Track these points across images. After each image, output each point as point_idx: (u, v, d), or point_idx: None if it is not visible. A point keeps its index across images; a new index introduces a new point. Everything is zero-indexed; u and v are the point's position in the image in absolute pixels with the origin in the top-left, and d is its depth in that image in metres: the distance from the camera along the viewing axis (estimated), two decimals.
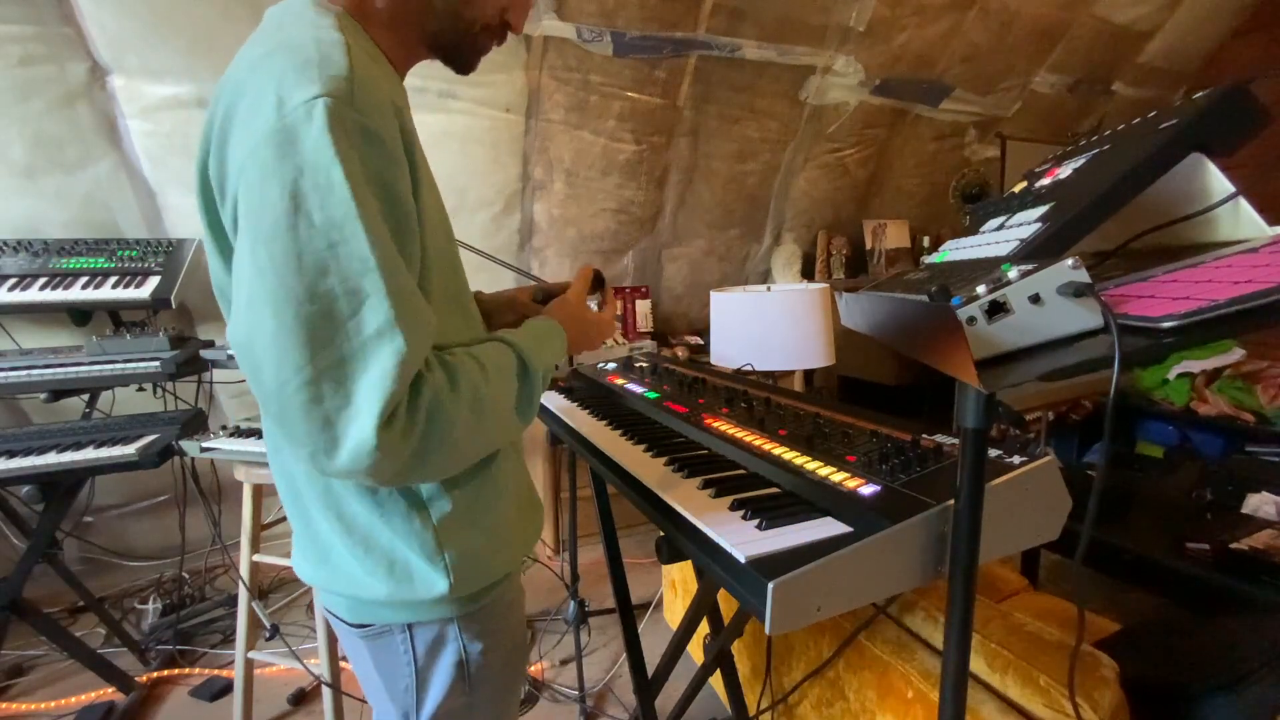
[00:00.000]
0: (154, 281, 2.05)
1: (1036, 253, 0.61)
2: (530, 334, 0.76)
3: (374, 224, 0.54)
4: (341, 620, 0.78)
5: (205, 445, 1.61)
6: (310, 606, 2.35)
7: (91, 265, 2.06)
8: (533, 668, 2.02)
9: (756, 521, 0.72)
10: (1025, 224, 0.68)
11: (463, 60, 0.76)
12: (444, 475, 0.68)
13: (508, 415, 0.69)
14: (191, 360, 1.93)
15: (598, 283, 0.96)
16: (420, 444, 0.57)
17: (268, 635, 1.91)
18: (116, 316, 2.18)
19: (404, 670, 0.76)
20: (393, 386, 0.54)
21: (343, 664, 1.65)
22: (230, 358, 1.83)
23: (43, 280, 2.00)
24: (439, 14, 0.70)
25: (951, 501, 0.65)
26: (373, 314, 0.54)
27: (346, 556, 0.71)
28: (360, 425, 0.53)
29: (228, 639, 2.22)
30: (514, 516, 0.79)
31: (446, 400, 0.59)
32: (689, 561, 0.92)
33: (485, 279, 1.32)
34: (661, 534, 0.83)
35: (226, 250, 0.66)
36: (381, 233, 0.55)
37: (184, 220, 2.28)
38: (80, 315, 2.18)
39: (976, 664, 0.96)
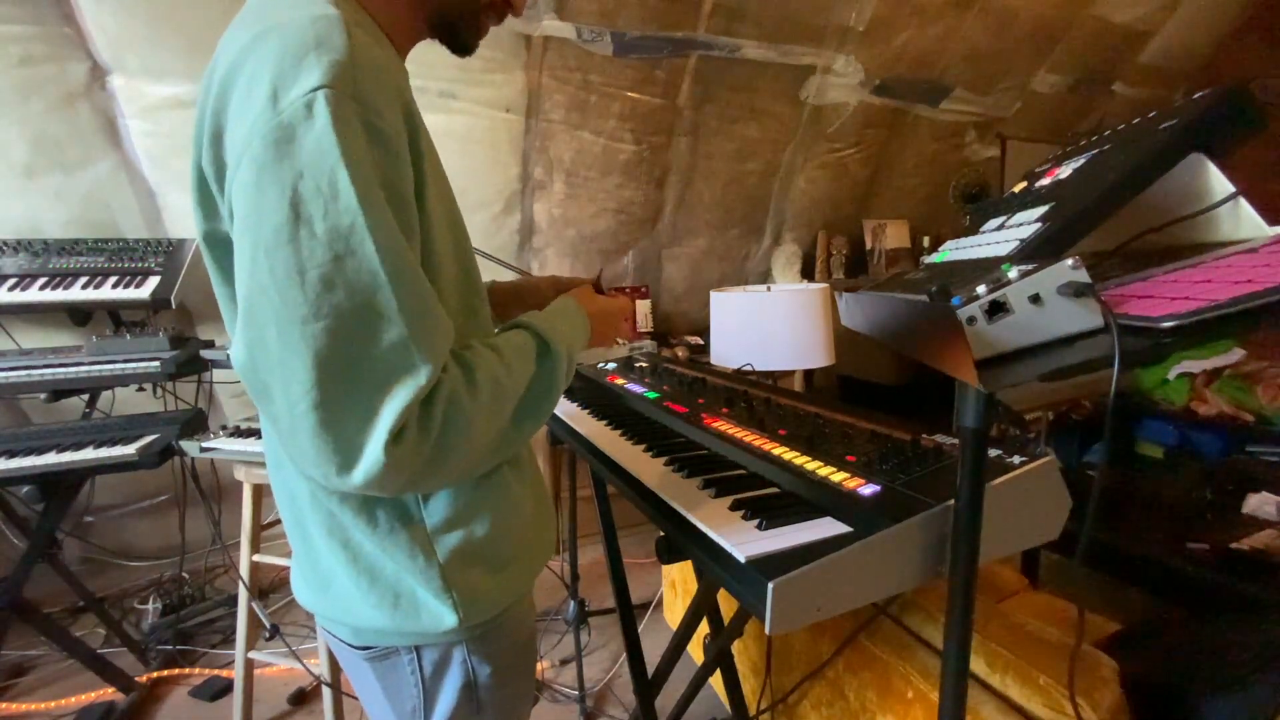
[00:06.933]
0: (154, 281, 2.05)
1: (1036, 253, 0.61)
2: (550, 315, 0.72)
3: (385, 232, 0.50)
4: (343, 642, 0.74)
5: (205, 445, 1.61)
6: None
7: (91, 265, 2.06)
8: None
9: (756, 521, 0.72)
10: (1025, 224, 0.68)
11: (463, 40, 0.72)
12: (465, 477, 0.65)
13: (532, 404, 0.65)
14: (191, 360, 1.93)
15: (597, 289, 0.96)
16: (435, 451, 0.54)
17: (268, 635, 1.91)
18: (116, 316, 2.18)
19: (410, 692, 0.73)
20: (406, 405, 0.51)
21: None
22: (230, 357, 1.83)
23: (43, 280, 2.00)
24: None
25: (951, 501, 0.65)
26: (385, 333, 0.50)
27: (350, 586, 0.67)
28: (373, 445, 0.50)
29: (228, 639, 2.22)
30: (526, 542, 0.75)
31: (465, 400, 0.55)
32: (689, 561, 0.92)
33: (484, 279, 1.33)
34: (661, 534, 0.83)
35: (224, 262, 0.63)
36: (393, 241, 0.51)
37: (184, 220, 2.27)
38: (80, 315, 2.18)
39: (976, 664, 0.95)
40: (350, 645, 0.74)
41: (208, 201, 0.60)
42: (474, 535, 0.68)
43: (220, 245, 0.63)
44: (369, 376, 0.50)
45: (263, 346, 0.51)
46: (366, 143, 0.50)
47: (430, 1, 0.68)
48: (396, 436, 0.51)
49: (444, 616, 0.67)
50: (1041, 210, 0.68)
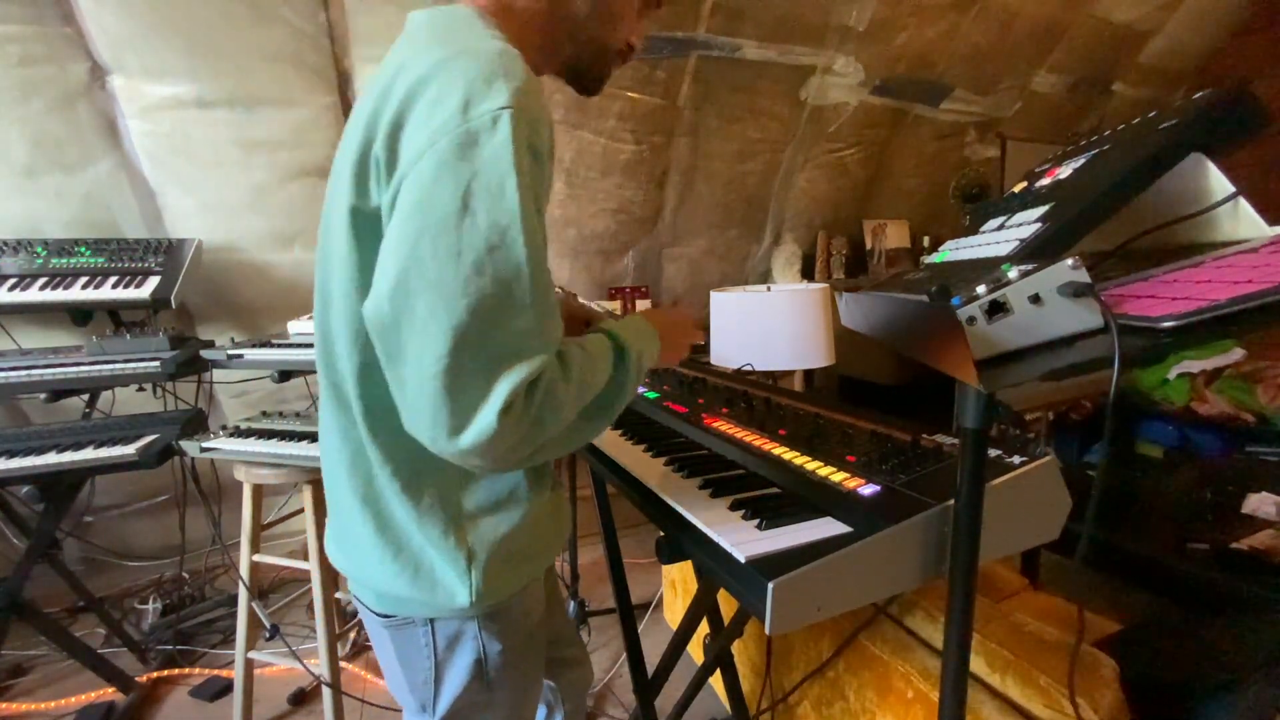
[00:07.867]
0: (154, 281, 2.05)
1: (1036, 253, 0.61)
2: (624, 326, 0.78)
3: (533, 235, 0.59)
4: (367, 608, 0.80)
5: (205, 445, 1.61)
6: (310, 607, 2.35)
7: (91, 265, 2.06)
8: None
9: (756, 521, 0.72)
10: (1025, 224, 0.68)
11: (593, 85, 0.83)
12: (539, 459, 0.69)
13: (605, 403, 0.71)
14: (191, 360, 1.93)
15: None
16: (531, 427, 0.60)
17: (268, 635, 1.91)
18: (116, 316, 2.18)
19: (423, 663, 0.78)
20: (519, 382, 0.58)
21: (343, 664, 1.64)
22: (230, 358, 1.83)
23: (43, 280, 2.00)
24: (581, 40, 0.77)
25: (951, 501, 0.65)
26: (517, 320, 0.58)
27: (375, 552, 0.73)
28: (486, 413, 0.57)
29: (228, 639, 2.22)
30: (546, 539, 0.82)
31: (559, 387, 0.62)
32: (689, 561, 0.92)
33: None
34: (661, 534, 0.83)
35: (364, 233, 0.66)
36: (537, 243, 0.60)
37: (184, 220, 2.27)
38: (80, 315, 2.17)
39: (976, 664, 0.95)
40: (373, 612, 0.79)
41: (364, 180, 0.65)
42: (504, 526, 0.74)
43: (363, 218, 0.66)
44: (495, 353, 0.58)
45: (410, 314, 0.58)
46: (529, 158, 0.60)
47: (564, 52, 0.78)
48: (507, 409, 0.57)
49: (458, 594, 0.72)
50: (1041, 210, 0.68)
